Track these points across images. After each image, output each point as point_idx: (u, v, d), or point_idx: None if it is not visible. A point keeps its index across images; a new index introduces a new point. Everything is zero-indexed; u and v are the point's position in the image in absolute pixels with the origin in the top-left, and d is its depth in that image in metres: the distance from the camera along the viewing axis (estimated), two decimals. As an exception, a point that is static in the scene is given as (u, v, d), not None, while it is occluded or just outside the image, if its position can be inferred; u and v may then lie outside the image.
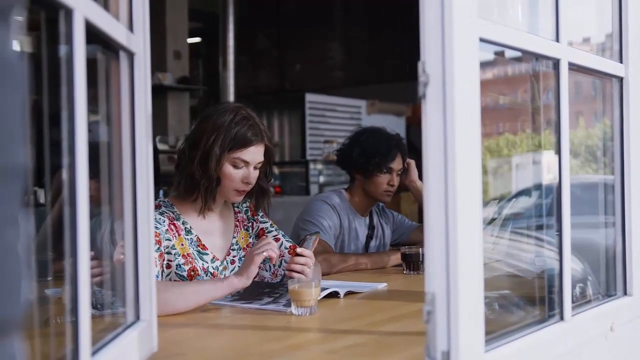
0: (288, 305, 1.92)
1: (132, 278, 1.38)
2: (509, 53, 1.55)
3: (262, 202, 2.36)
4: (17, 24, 0.57)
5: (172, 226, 2.18)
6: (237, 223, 2.39)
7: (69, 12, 1.00)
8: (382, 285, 2.37)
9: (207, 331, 1.78)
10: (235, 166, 2.19)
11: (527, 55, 1.61)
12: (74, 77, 1.01)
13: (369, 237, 3.15)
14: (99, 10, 1.12)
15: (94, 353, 1.09)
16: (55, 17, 1.01)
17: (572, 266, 1.57)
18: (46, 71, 1.08)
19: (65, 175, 1.03)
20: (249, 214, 2.42)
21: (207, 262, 2.23)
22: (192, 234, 2.23)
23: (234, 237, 2.35)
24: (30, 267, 0.58)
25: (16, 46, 0.57)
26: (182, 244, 2.19)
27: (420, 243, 2.96)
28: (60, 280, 1.32)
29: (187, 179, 2.20)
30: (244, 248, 2.36)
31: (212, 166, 2.16)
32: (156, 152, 4.66)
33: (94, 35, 1.12)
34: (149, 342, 1.41)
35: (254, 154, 2.21)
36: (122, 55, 1.34)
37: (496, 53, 1.48)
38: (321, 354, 1.53)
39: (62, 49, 1.02)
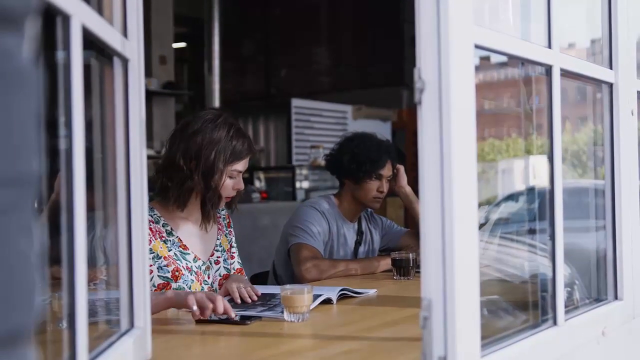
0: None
1: (127, 285, 1.37)
2: (494, 58, 1.56)
3: (235, 199, 2.42)
4: (30, 32, 0.57)
5: (149, 230, 2.20)
6: (220, 226, 2.47)
7: (66, 18, 0.99)
8: (372, 292, 2.37)
9: (201, 338, 1.77)
10: (231, 177, 2.30)
11: (513, 61, 1.62)
12: (71, 83, 1.01)
13: (358, 243, 3.15)
14: (95, 16, 1.12)
15: (90, 361, 1.09)
16: (52, 22, 1.01)
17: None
18: (42, 76, 1.07)
19: (61, 181, 1.02)
20: (226, 222, 2.52)
21: (189, 262, 2.28)
22: (173, 235, 2.29)
23: (218, 239, 2.43)
24: (43, 276, 0.57)
25: (30, 54, 0.57)
26: (161, 247, 2.24)
27: (409, 248, 2.97)
28: (52, 287, 1.31)
29: (188, 192, 2.26)
30: (227, 250, 2.45)
31: (215, 181, 2.25)
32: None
33: (88, 41, 1.11)
34: (144, 349, 1.40)
35: (246, 163, 2.34)
36: (116, 61, 1.34)
37: (482, 58, 1.48)
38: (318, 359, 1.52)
39: (59, 55, 1.02)
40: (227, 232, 2.50)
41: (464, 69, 1.20)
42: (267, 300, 2.14)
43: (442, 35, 1.17)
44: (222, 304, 1.83)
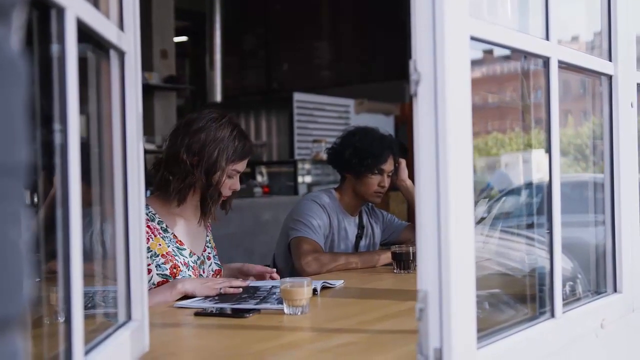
0: (280, 302, 1.91)
1: (124, 278, 1.37)
2: (498, 51, 1.56)
3: (230, 199, 2.45)
4: (18, 22, 0.57)
5: (147, 228, 2.22)
6: (208, 225, 2.51)
7: (60, 11, 0.99)
8: (339, 282, 2.40)
9: (199, 331, 1.78)
10: (229, 176, 2.33)
11: (516, 54, 1.62)
12: (66, 76, 1.01)
13: (359, 237, 3.15)
14: (90, 9, 1.12)
15: (86, 353, 1.09)
16: (47, 15, 1.01)
17: (562, 265, 1.58)
18: (36, 70, 1.07)
19: (56, 175, 1.02)
20: (210, 221, 2.54)
21: (186, 257, 2.32)
22: (168, 232, 2.32)
23: (207, 236, 2.48)
24: (32, 264, 0.58)
25: (17, 45, 0.57)
26: (160, 244, 2.27)
27: (410, 242, 2.97)
28: (50, 281, 1.32)
29: (188, 187, 2.29)
30: (214, 247, 2.51)
31: (216, 178, 2.29)
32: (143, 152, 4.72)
33: (84, 34, 1.11)
34: (141, 341, 1.40)
35: (245, 164, 2.38)
36: (113, 55, 1.34)
37: (485, 51, 1.48)
38: (314, 352, 1.53)
39: (54, 48, 1.02)
40: (211, 231, 2.56)
41: (460, 61, 1.20)
42: (253, 293, 2.14)
43: (438, 27, 1.16)
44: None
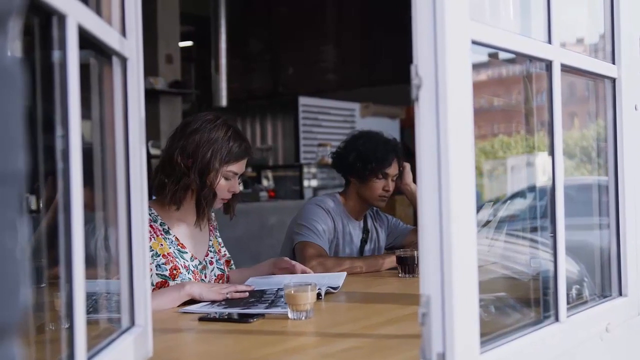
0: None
1: (127, 284, 1.37)
2: (503, 55, 1.56)
3: (233, 204, 2.45)
4: (15, 30, 0.57)
5: (149, 228, 2.23)
6: (211, 228, 2.51)
7: (62, 18, 1.00)
8: (342, 275, 2.44)
9: (203, 336, 1.77)
10: (226, 178, 2.33)
11: (521, 57, 1.62)
12: (67, 83, 1.01)
13: (364, 241, 3.15)
14: (92, 15, 1.12)
15: (89, 358, 1.09)
16: (48, 22, 1.01)
17: (568, 268, 1.57)
18: (39, 76, 1.07)
19: (59, 181, 1.02)
20: (215, 224, 2.56)
21: (187, 261, 2.32)
22: (170, 234, 2.32)
23: (210, 240, 2.48)
24: (28, 271, 0.58)
25: (14, 52, 0.57)
26: (162, 244, 2.28)
27: (414, 246, 2.96)
28: (54, 287, 1.32)
29: (183, 189, 2.29)
30: (217, 252, 2.49)
31: (210, 179, 2.28)
32: (148, 157, 4.74)
33: (86, 40, 1.12)
34: (144, 347, 1.40)
35: (243, 165, 2.38)
36: (115, 61, 1.34)
37: (490, 55, 1.48)
38: (318, 357, 1.52)
39: (55, 54, 1.02)
40: (216, 234, 2.55)
41: (461, 65, 1.20)
42: (260, 297, 2.14)
43: (439, 31, 1.16)
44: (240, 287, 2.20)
